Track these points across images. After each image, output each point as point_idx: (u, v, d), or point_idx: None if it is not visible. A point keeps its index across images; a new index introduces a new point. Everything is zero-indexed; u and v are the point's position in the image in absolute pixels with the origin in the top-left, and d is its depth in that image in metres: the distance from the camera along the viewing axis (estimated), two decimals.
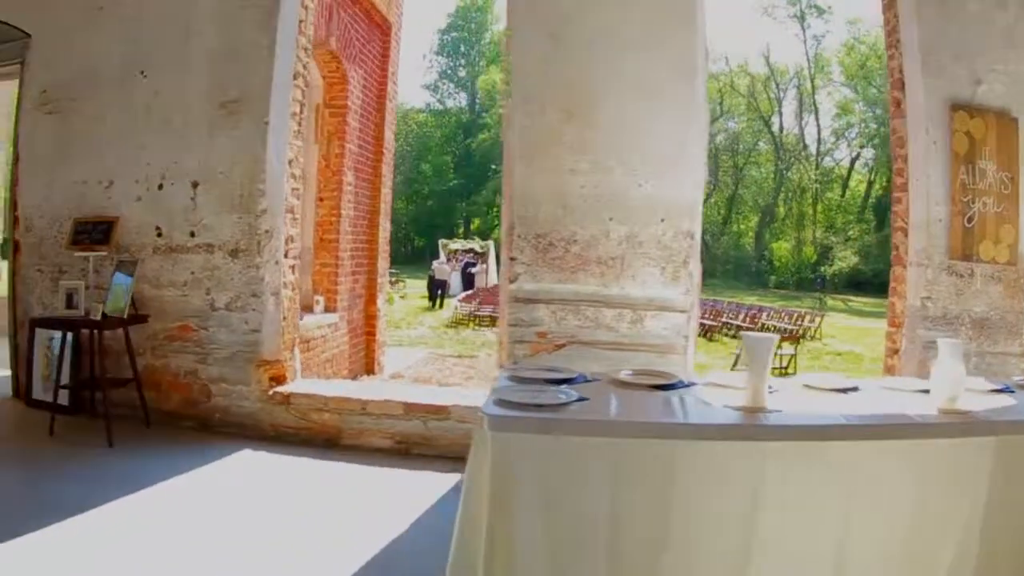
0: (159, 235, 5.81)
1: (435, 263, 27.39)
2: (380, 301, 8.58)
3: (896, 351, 5.76)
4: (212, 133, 5.68)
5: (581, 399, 3.01)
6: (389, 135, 8.75)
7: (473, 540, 2.73)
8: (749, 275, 45.53)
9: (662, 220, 5.22)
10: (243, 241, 5.57)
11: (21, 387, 6.41)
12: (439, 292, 25.22)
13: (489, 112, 53.43)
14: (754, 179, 50.04)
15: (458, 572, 2.77)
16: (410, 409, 5.33)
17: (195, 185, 5.71)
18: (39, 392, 6.19)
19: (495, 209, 52.67)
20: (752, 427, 2.88)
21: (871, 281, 39.02)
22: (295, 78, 5.73)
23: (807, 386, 3.45)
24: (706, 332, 18.86)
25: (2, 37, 6.49)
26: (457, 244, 35.16)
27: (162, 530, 4.07)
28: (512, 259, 5.26)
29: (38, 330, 6.23)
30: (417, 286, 30.08)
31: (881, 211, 42.83)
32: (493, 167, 50.55)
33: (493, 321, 16.89)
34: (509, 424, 2.75)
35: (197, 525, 4.18)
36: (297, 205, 5.90)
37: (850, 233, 44.62)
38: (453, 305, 21.40)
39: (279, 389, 5.55)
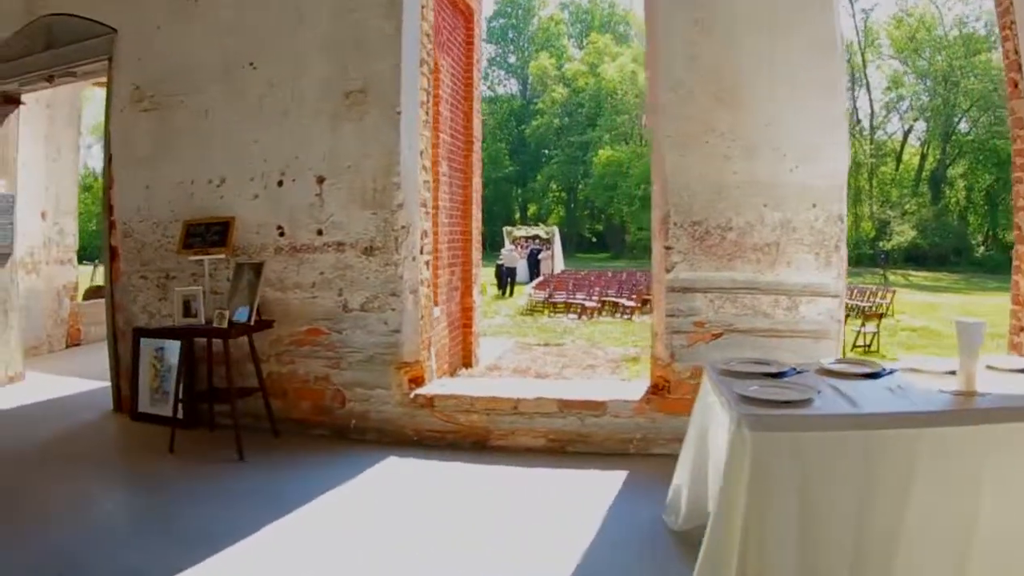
0: (281, 234, 5.03)
1: (503, 251, 25.27)
2: (475, 292, 7.88)
3: (1022, 329, 5.33)
4: (336, 125, 4.91)
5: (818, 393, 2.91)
6: (477, 123, 8.05)
7: (727, 540, 2.58)
8: None
9: (813, 205, 4.64)
10: (378, 238, 4.83)
11: (124, 400, 5.58)
12: (508, 280, 22.94)
13: (541, 98, 50.29)
14: None
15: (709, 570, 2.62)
16: (566, 406, 4.69)
17: (320, 180, 4.94)
18: (146, 405, 5.39)
19: (551, 195, 50.66)
20: (990, 411, 2.71)
21: (928, 255, 37.08)
22: (420, 65, 4.99)
23: (990, 367, 3.22)
24: None
25: (87, 34, 5.61)
26: (522, 231, 32.26)
27: (331, 552, 3.43)
28: (668, 248, 4.64)
29: (143, 340, 5.40)
30: (483, 274, 27.52)
31: (935, 184, 40.37)
32: (546, 152, 49.60)
33: (568, 307, 16.09)
34: (770, 423, 2.63)
35: (368, 541, 3.55)
36: (429, 198, 5.17)
37: (907, 207, 40.42)
38: (527, 292, 20.18)
39: (421, 391, 4.84)
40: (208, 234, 5.06)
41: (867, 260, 36.36)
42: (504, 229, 32.59)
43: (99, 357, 7.90)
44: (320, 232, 4.94)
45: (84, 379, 6.85)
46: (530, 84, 52.80)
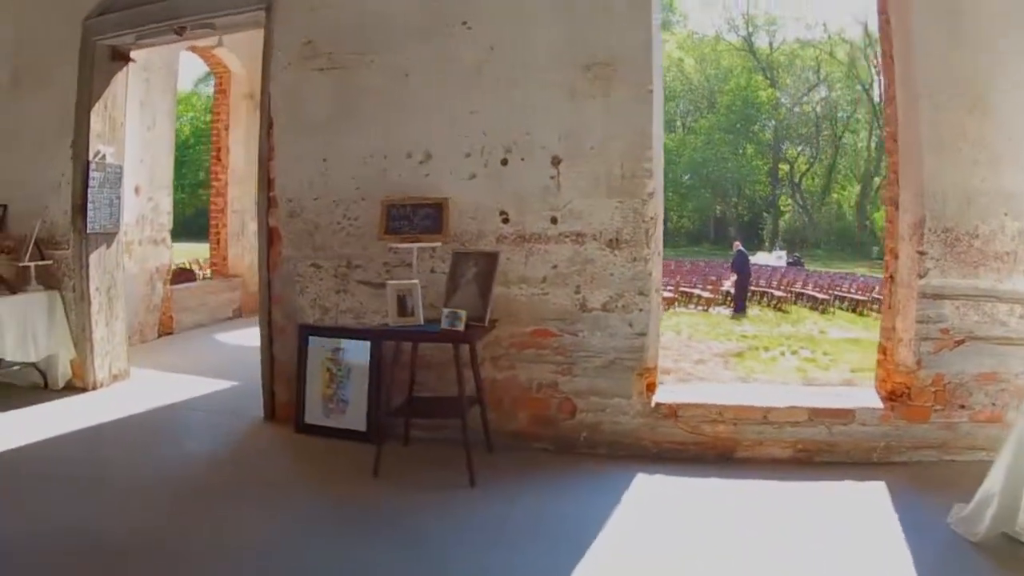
0: (505, 221, 3.61)
1: None
2: None
3: None
4: (576, 100, 3.54)
5: None
6: None
7: None
8: (852, 246, 34.89)
9: None
10: (626, 230, 3.52)
11: (281, 408, 3.96)
12: None
13: None
14: (854, 148, 38.23)
15: None
16: (816, 415, 3.62)
17: (556, 161, 3.55)
18: (316, 415, 3.81)
19: None
20: None
21: None
22: None
23: None
24: (856, 307, 15.27)
25: None
26: None
27: None
28: (921, 253, 3.66)
29: (312, 339, 3.78)
30: None
31: None
32: None
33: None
34: None
35: None
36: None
37: None
38: None
39: (664, 400, 3.61)
40: (416, 218, 3.54)
41: None
42: None
43: (197, 349, 6.09)
44: (555, 220, 3.56)
45: (195, 376, 5.06)
46: None
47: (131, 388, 4.77)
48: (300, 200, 3.83)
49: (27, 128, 4.85)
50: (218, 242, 7.41)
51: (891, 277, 3.90)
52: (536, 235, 3.59)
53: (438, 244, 3.51)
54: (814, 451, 3.64)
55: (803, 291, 16.47)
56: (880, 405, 3.74)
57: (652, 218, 3.56)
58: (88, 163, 4.60)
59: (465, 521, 2.93)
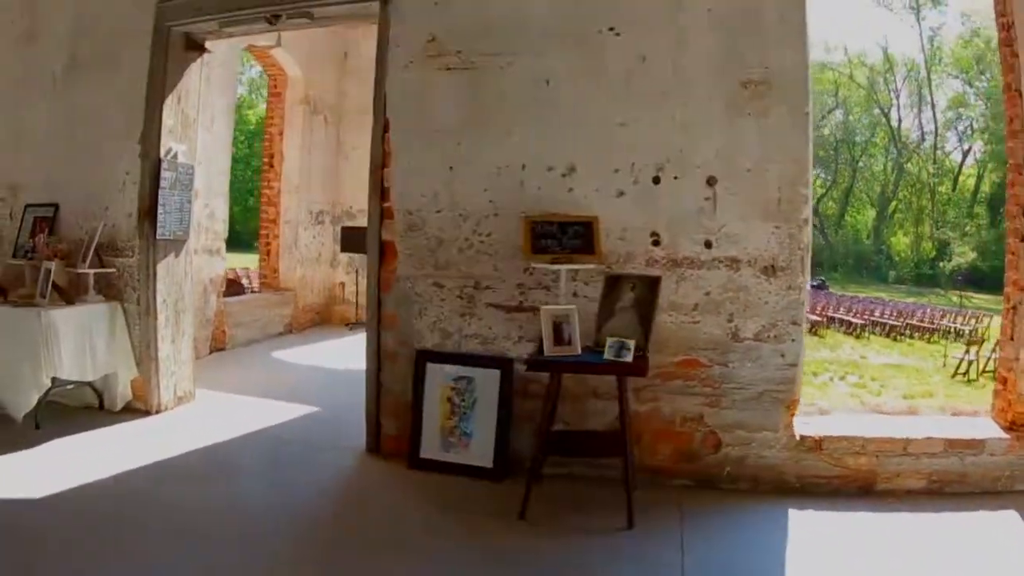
0: (656, 243, 2.98)
1: None
2: None
3: None
4: (731, 118, 2.95)
5: None
6: None
7: None
8: (868, 269, 32.35)
9: None
10: (782, 256, 2.95)
11: (386, 440, 3.21)
12: None
13: None
14: (871, 172, 34.74)
15: None
16: (951, 445, 3.14)
17: (711, 182, 2.96)
18: (433, 449, 3.08)
19: None
20: None
21: (988, 277, 26.19)
22: None
23: None
24: (889, 332, 13.76)
25: None
26: None
27: None
28: None
29: (430, 365, 3.06)
30: None
31: (993, 206, 29.14)
32: None
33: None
34: None
35: None
36: None
37: (967, 229, 30.32)
38: None
39: (808, 433, 3.06)
40: (564, 236, 2.87)
41: (926, 280, 29.27)
42: None
43: (258, 368, 5.14)
44: (708, 244, 2.97)
45: (267, 400, 4.18)
46: None
47: (199, 412, 3.88)
48: (421, 212, 3.11)
49: (84, 121, 3.91)
50: (268, 253, 6.44)
51: (1013, 308, 3.49)
52: (688, 259, 2.99)
53: (591, 266, 2.87)
54: (946, 481, 3.17)
55: (834, 315, 14.88)
56: (1004, 435, 3.33)
57: (806, 245, 3.03)
58: (159, 161, 3.71)
59: (642, 571, 2.32)
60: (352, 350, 5.80)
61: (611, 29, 3.03)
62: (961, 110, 32.55)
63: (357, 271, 6.95)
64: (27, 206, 4.07)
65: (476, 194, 3.07)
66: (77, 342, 3.53)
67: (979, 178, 31.88)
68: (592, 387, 3.00)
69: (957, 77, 32.70)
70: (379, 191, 3.15)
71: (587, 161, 3.01)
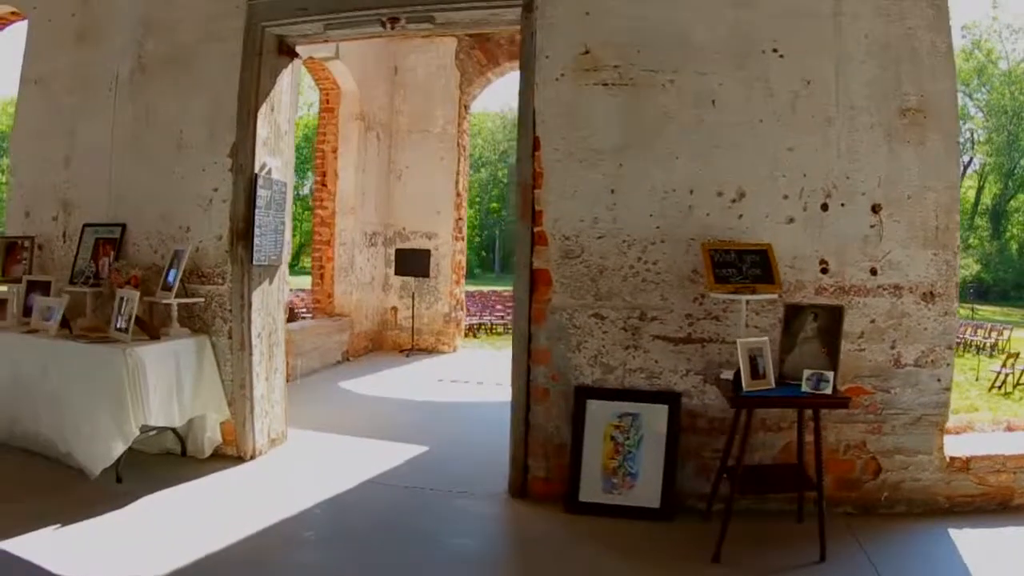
0: (824, 271, 2.55)
1: None
2: None
3: None
4: (892, 145, 2.57)
5: None
6: None
7: None
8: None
9: None
10: (939, 283, 2.59)
11: (533, 483, 2.61)
12: None
13: None
14: None
15: None
16: None
17: (875, 209, 2.56)
18: (594, 492, 2.52)
19: None
20: None
21: (992, 289, 24.36)
22: None
23: None
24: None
25: None
26: None
27: None
28: None
29: (590, 402, 2.49)
30: None
31: (995, 218, 26.60)
32: None
33: None
34: None
35: None
36: None
37: (970, 241, 26.75)
38: None
39: (956, 453, 2.72)
40: (743, 265, 2.39)
41: None
42: None
43: (334, 401, 4.30)
44: (874, 271, 2.57)
45: (362, 438, 3.44)
46: None
47: (296, 456, 3.11)
48: (580, 238, 2.55)
49: (156, 130, 3.08)
50: (322, 277, 5.46)
51: None
52: (855, 287, 2.59)
53: (772, 296, 2.41)
54: None
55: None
56: None
57: (957, 270, 2.70)
58: (255, 177, 2.94)
59: None
60: (420, 379, 5.18)
61: (775, 50, 2.59)
62: (961, 122, 29.39)
63: (413, 295, 6.19)
64: (86, 226, 3.17)
65: (641, 219, 2.54)
66: (165, 383, 2.70)
67: (979, 190, 28.04)
68: (761, 419, 2.56)
69: (959, 90, 29.91)
70: (529, 214, 2.56)
71: (756, 186, 2.55)
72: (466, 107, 6.36)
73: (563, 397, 2.60)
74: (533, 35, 2.64)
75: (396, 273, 6.06)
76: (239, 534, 2.31)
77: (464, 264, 6.72)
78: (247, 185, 2.94)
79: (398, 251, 6.03)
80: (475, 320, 10.84)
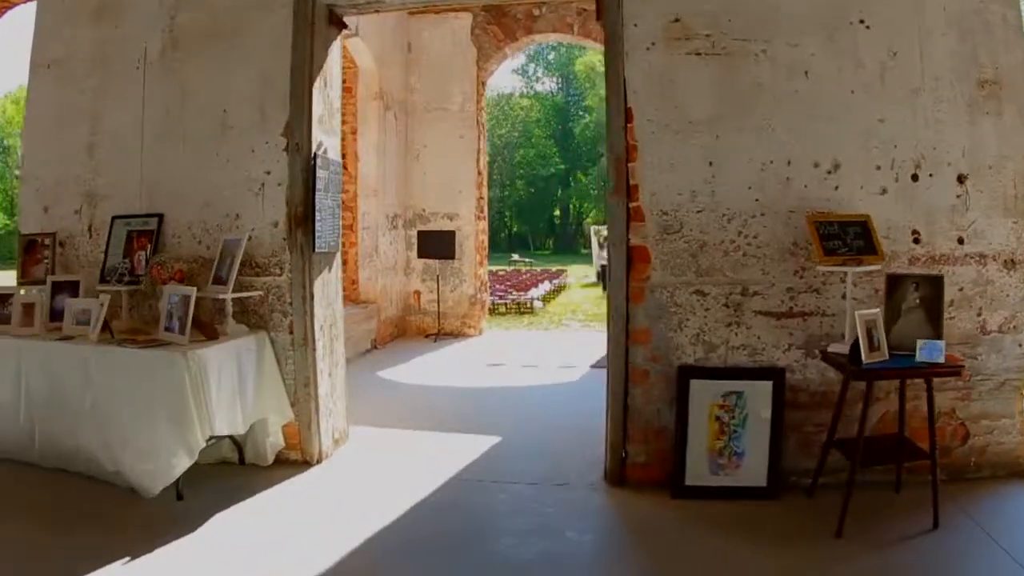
0: (916, 241, 2.48)
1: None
2: None
3: None
4: (973, 116, 2.51)
5: None
6: None
7: None
8: None
9: None
10: (1020, 250, 2.55)
11: (632, 470, 2.44)
12: None
13: (588, 95, 28.83)
14: None
15: None
16: None
17: (961, 179, 2.50)
18: (701, 475, 2.36)
19: (601, 193, 30.42)
20: None
21: None
22: None
23: None
24: None
25: None
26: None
27: None
28: None
29: (695, 383, 2.36)
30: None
31: None
32: (600, 150, 27.18)
33: None
34: None
35: None
36: None
37: None
38: None
39: None
40: (847, 237, 2.32)
41: None
42: (592, 228, 19.66)
43: (378, 392, 4.03)
44: (961, 241, 2.52)
45: (423, 432, 3.17)
46: (573, 81, 31.00)
47: (363, 456, 2.80)
48: (678, 213, 2.37)
49: (195, 111, 2.68)
50: (345, 263, 5.10)
51: None
52: (944, 256, 2.52)
53: (876, 267, 2.36)
54: None
55: None
56: None
57: None
58: (314, 157, 2.66)
59: (982, 564, 1.89)
60: (458, 365, 4.92)
61: (861, 21, 2.47)
62: None
63: (438, 278, 5.87)
64: (115, 218, 2.74)
65: (740, 192, 2.37)
66: (229, 387, 2.34)
67: None
68: (860, 391, 2.52)
69: None
70: (624, 189, 2.35)
71: (851, 157, 2.41)
72: (483, 83, 6.07)
73: (663, 378, 2.40)
74: (620, 3, 2.49)
75: (419, 256, 5.71)
76: (340, 550, 1.99)
77: (486, 244, 6.41)
78: (304, 166, 2.58)
79: (420, 233, 5.68)
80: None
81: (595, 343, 5.81)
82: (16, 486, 2.40)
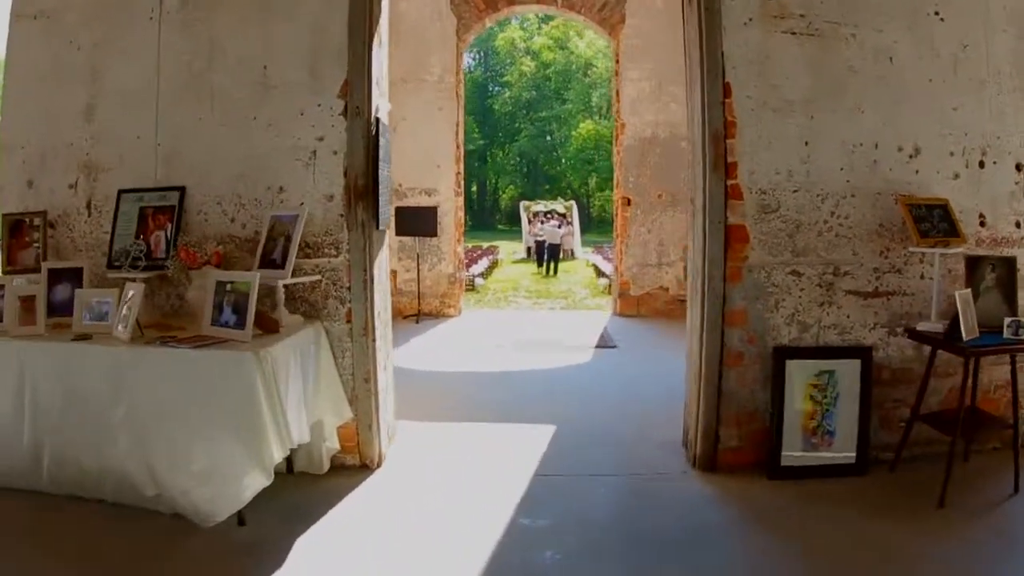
0: (982, 224, 2.59)
1: (544, 225, 14.41)
2: None
3: None
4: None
5: None
6: None
7: None
8: None
9: None
10: None
11: (724, 454, 2.41)
12: (552, 258, 12.63)
13: (509, 71, 29.05)
14: None
15: None
16: None
17: (1019, 168, 2.63)
18: (795, 455, 2.37)
19: (523, 168, 30.18)
20: None
21: None
22: None
23: None
24: None
25: None
26: (539, 205, 18.62)
27: None
28: None
29: (790, 363, 2.35)
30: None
31: None
32: (519, 126, 28.84)
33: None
34: None
35: None
36: None
37: None
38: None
39: None
40: (932, 219, 2.36)
41: None
42: (521, 204, 19.41)
43: (402, 379, 3.76)
44: (1019, 224, 2.65)
45: (461, 423, 2.98)
46: (492, 57, 30.82)
47: (422, 455, 2.55)
48: (776, 192, 2.33)
49: (228, 68, 2.33)
50: None
51: None
52: (1005, 239, 2.65)
53: (961, 249, 2.43)
54: None
55: None
56: None
57: None
58: (376, 122, 2.34)
59: None
60: (464, 347, 4.74)
61: (936, 13, 2.55)
62: None
63: (418, 256, 5.61)
64: (122, 192, 2.31)
65: (833, 173, 2.38)
66: (296, 389, 2.03)
67: None
68: (941, 367, 2.60)
69: None
70: (722, 166, 2.29)
71: (929, 143, 2.49)
72: (461, 55, 5.87)
73: (759, 360, 2.38)
74: None
75: (397, 234, 5.40)
76: (462, 571, 1.78)
77: (463, 220, 6.24)
78: (365, 132, 2.29)
79: (398, 209, 5.33)
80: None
81: (580, 323, 5.86)
82: (39, 524, 1.94)
